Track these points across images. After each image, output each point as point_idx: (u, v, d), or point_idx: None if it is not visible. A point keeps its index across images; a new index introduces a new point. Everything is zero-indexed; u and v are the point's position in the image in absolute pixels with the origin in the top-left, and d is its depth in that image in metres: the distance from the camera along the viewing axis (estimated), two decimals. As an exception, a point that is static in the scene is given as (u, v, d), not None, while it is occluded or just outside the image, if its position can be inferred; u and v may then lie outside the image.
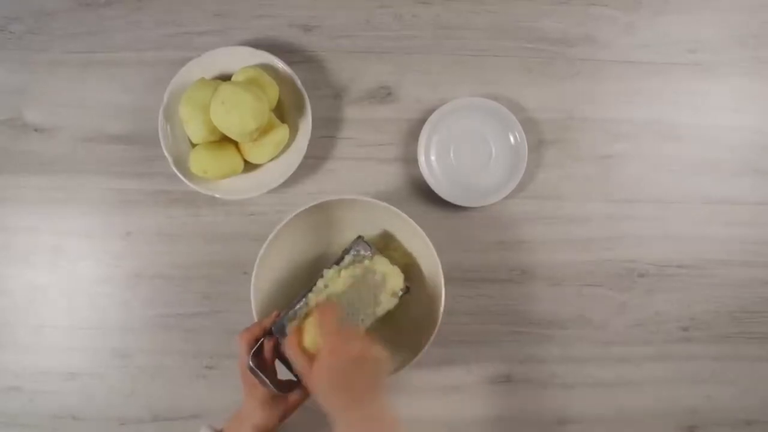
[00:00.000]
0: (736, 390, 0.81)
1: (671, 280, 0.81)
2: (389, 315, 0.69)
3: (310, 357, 0.60)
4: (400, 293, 0.69)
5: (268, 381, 0.63)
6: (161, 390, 0.78)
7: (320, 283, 0.68)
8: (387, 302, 0.68)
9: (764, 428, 0.81)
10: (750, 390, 0.81)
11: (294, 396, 0.65)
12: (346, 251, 0.69)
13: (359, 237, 0.70)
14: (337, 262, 0.69)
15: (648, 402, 0.80)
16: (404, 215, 0.68)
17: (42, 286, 0.79)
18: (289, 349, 0.62)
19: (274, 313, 0.67)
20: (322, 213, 0.71)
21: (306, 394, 0.65)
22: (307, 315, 0.66)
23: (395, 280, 0.69)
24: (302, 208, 0.68)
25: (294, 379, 0.66)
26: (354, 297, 0.68)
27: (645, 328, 0.81)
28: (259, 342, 0.65)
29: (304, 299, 0.67)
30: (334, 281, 0.68)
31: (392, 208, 0.68)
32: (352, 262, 0.69)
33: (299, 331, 0.63)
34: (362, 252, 0.69)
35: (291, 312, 0.67)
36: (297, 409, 0.66)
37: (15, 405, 0.78)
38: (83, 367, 0.79)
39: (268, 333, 0.66)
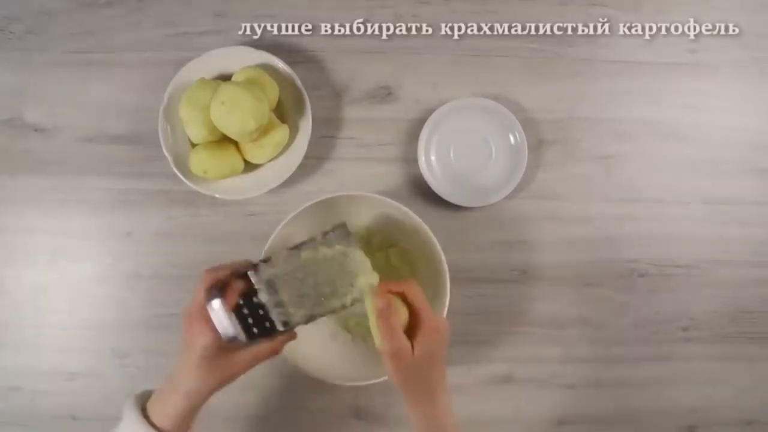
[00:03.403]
0: (736, 390, 0.81)
1: (671, 280, 0.81)
2: None
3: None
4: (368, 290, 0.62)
5: (237, 323, 0.55)
6: (161, 390, 0.78)
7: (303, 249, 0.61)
8: (357, 294, 0.61)
9: (764, 428, 0.81)
10: (750, 390, 0.81)
11: (242, 355, 0.57)
12: (325, 232, 0.62)
13: (343, 224, 0.63)
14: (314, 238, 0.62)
15: (648, 402, 0.80)
16: (412, 213, 0.68)
17: (42, 286, 0.79)
18: (386, 324, 0.56)
19: (249, 261, 0.60)
20: (327, 210, 0.70)
21: (258, 356, 0.58)
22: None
23: (367, 275, 0.61)
24: (311, 202, 0.67)
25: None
26: (327, 275, 0.61)
27: (645, 328, 0.81)
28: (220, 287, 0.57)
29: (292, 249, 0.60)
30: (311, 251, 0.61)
31: (403, 207, 0.68)
32: (323, 243, 0.61)
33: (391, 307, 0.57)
34: (338, 238, 0.62)
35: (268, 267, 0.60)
36: (238, 375, 0.58)
37: (15, 405, 0.78)
38: (83, 367, 0.79)
39: (239, 276, 0.58)
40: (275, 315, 0.59)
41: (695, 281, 0.81)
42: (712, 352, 0.81)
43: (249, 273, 0.58)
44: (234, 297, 0.57)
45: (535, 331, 0.80)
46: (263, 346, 0.58)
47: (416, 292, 0.59)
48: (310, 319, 0.61)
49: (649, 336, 0.81)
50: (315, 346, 0.72)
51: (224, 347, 0.56)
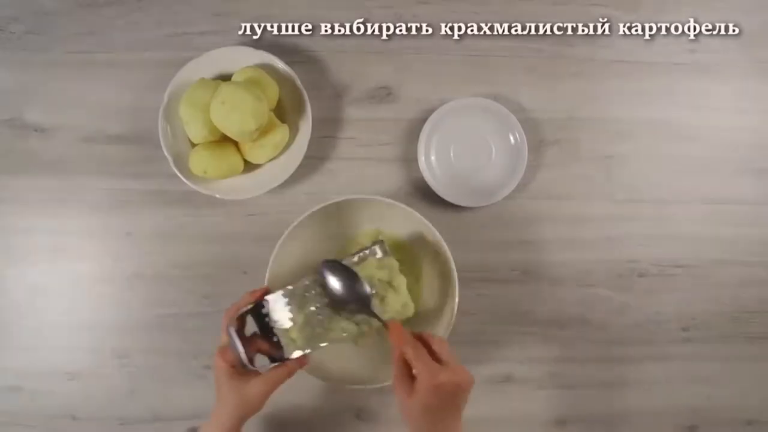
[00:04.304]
0: (736, 390, 0.81)
1: (671, 280, 0.81)
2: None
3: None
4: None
5: (240, 346, 0.61)
6: (161, 390, 0.79)
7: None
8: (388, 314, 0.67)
9: (764, 428, 0.81)
10: (750, 390, 0.81)
11: (257, 381, 0.62)
12: (363, 249, 0.67)
13: (380, 240, 0.68)
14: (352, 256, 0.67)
15: (648, 402, 0.80)
16: (422, 218, 0.68)
17: (42, 286, 0.79)
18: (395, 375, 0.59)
19: (262, 288, 0.66)
20: (332, 213, 0.70)
21: (274, 380, 0.63)
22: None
23: (400, 297, 0.67)
24: (323, 205, 0.68)
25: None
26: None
27: (645, 328, 0.81)
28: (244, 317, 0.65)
29: (306, 283, 0.65)
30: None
31: (408, 209, 0.68)
32: (364, 259, 0.67)
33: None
34: (378, 251, 0.67)
35: (287, 294, 0.65)
36: (260, 398, 0.63)
37: (15, 405, 0.78)
38: (83, 367, 0.79)
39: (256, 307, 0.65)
40: (284, 343, 0.64)
41: (695, 281, 0.81)
42: (712, 352, 0.81)
43: (265, 303, 0.65)
44: (241, 325, 0.64)
45: (535, 331, 0.80)
46: (276, 371, 0.63)
47: (416, 354, 0.58)
48: (315, 345, 0.65)
49: (649, 336, 0.81)
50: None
51: (242, 373, 0.63)
